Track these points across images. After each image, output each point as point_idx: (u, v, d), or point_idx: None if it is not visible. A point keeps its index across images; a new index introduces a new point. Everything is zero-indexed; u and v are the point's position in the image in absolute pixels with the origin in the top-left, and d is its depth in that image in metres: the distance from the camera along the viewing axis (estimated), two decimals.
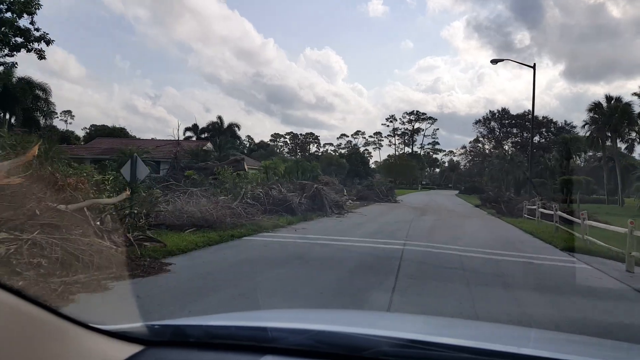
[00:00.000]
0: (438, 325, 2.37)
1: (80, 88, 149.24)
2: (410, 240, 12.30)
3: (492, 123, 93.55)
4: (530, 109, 30.57)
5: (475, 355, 1.38)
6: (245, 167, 30.88)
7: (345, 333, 1.60)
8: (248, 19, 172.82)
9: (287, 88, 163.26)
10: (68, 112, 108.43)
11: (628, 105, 44.21)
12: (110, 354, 1.33)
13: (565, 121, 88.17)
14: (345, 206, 23.61)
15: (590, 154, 65.71)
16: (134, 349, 1.41)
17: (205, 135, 61.10)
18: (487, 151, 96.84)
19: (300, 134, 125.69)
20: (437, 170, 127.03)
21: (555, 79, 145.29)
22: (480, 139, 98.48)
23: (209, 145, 45.78)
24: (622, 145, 52.88)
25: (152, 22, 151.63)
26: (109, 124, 71.39)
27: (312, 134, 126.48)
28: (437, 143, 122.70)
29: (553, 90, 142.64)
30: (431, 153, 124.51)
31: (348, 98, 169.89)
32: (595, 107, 47.07)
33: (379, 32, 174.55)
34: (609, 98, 46.11)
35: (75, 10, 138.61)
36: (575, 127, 79.57)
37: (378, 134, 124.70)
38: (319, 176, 48.32)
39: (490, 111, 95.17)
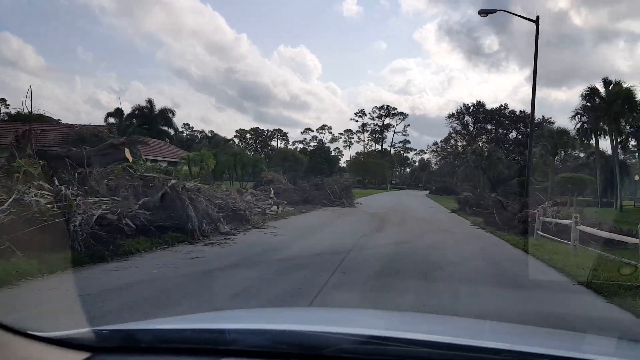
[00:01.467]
0: (400, 321, 2.35)
1: (39, 80, 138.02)
2: None
3: (467, 117, 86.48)
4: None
5: (433, 349, 1.36)
6: (128, 155, 21.72)
7: (306, 332, 1.54)
8: (220, 13, 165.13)
9: (260, 85, 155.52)
10: (2, 101, 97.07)
11: (630, 91, 36.94)
12: None
13: (544, 116, 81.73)
14: (255, 217, 14.84)
15: (569, 151, 58.83)
16: (78, 356, 1.33)
17: (133, 121, 51.40)
18: (459, 149, 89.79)
19: (267, 130, 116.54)
20: (408, 170, 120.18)
21: (521, 83, 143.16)
22: (453, 135, 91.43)
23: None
24: (607, 141, 46.09)
25: (119, 13, 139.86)
26: (70, 118, 61.04)
27: (280, 130, 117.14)
28: (408, 142, 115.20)
29: (518, 95, 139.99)
30: (402, 152, 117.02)
31: (323, 97, 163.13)
32: (591, 93, 39.63)
33: (353, 32, 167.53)
34: (606, 82, 38.73)
35: None
36: (553, 122, 73.50)
37: (348, 131, 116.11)
38: (262, 172, 39.70)
39: (464, 104, 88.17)
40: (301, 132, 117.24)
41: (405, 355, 1.35)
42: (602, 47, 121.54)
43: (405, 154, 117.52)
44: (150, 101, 51.05)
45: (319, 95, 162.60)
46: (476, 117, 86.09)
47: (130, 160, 20.87)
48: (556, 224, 14.73)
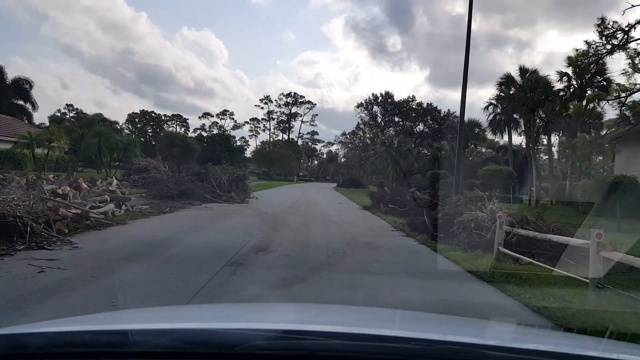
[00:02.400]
0: (312, 313, 2.33)
1: None
2: None
3: (375, 108, 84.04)
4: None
5: (347, 341, 1.36)
6: None
7: (215, 330, 1.46)
8: None
9: (161, 68, 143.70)
10: None
11: (547, 80, 34.97)
12: None
13: (449, 110, 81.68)
14: (61, 224, 8.49)
15: (475, 146, 57.90)
16: None
17: None
18: (367, 140, 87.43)
19: (165, 115, 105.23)
20: (316, 162, 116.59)
21: (421, 83, 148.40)
22: (362, 126, 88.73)
23: None
24: (519, 134, 45.05)
25: None
26: None
27: (179, 116, 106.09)
28: (316, 133, 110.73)
29: (418, 94, 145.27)
30: (310, 143, 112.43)
31: (229, 84, 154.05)
32: (507, 82, 37.25)
33: (260, 20, 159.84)
34: (523, 70, 36.55)
35: None
36: (457, 116, 73.46)
37: (254, 119, 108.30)
38: (135, 157, 32.40)
39: (373, 94, 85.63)
40: (199, 117, 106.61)
41: (319, 349, 1.33)
42: (494, 52, 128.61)
43: (313, 146, 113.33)
44: (0, 68, 40.58)
45: (226, 83, 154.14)
46: (385, 108, 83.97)
47: None
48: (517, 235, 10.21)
